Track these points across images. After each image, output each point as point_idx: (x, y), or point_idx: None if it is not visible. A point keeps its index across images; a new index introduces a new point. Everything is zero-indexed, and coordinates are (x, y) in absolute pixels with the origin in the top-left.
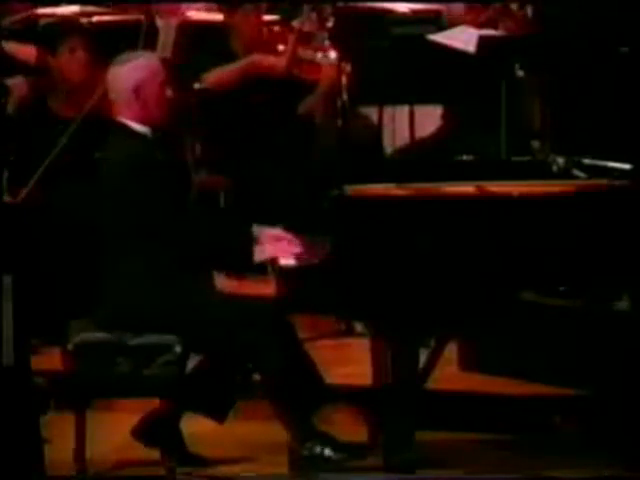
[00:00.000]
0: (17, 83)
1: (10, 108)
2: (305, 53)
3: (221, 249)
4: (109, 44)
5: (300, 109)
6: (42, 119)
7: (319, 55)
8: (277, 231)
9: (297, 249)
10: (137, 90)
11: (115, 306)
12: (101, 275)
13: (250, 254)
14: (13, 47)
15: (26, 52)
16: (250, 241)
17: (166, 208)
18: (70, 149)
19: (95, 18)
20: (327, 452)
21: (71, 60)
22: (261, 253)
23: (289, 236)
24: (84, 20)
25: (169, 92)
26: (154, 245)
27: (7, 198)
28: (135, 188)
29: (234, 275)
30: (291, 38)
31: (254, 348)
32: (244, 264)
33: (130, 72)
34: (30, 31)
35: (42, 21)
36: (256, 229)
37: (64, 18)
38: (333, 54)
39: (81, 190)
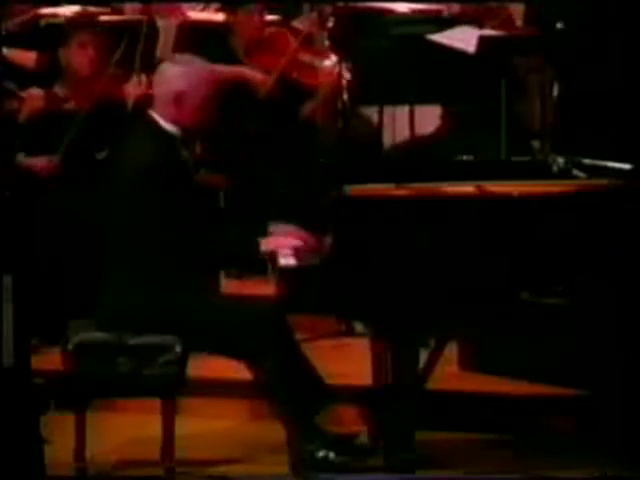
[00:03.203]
0: (32, 94)
1: (22, 117)
2: (305, 57)
3: (222, 250)
4: (109, 44)
5: (301, 112)
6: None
7: (318, 60)
8: (289, 227)
9: (301, 243)
10: (178, 96)
11: (115, 306)
12: (102, 275)
13: (250, 255)
14: (11, 52)
15: (24, 57)
16: (250, 241)
17: (179, 208)
18: (72, 148)
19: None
20: (330, 455)
21: (81, 55)
22: (265, 244)
23: (300, 232)
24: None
25: (211, 105)
26: (157, 245)
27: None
28: (156, 187)
29: (234, 275)
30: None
31: (254, 348)
32: (244, 265)
33: (177, 77)
34: (31, 33)
35: (43, 21)
36: (272, 226)
37: (69, 18)
38: (333, 58)
39: (83, 189)
